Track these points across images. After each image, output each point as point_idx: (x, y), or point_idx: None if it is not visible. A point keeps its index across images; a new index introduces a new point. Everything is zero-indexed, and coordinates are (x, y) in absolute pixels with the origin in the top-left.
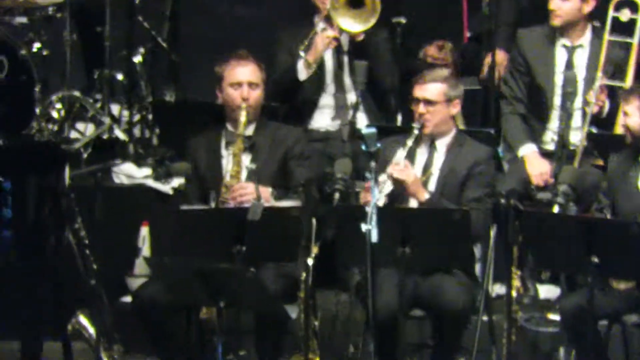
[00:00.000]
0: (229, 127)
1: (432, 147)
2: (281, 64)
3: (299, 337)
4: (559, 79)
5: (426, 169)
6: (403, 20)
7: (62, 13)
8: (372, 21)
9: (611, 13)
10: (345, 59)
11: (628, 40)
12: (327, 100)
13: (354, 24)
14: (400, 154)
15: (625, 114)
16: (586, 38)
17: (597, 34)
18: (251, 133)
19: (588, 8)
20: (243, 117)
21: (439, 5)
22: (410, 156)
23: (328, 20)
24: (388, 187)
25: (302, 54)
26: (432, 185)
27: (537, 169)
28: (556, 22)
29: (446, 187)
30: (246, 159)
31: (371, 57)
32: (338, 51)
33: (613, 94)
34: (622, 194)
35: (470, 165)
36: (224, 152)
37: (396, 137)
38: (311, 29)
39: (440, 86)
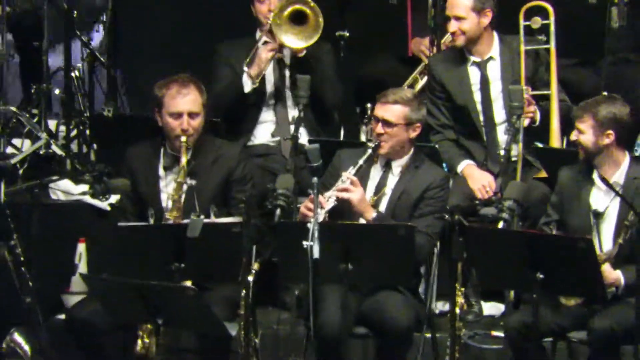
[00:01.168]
0: (168, 148)
1: (387, 167)
2: (221, 77)
3: (240, 354)
4: (477, 96)
5: (379, 189)
6: (346, 34)
7: None
8: (315, 38)
9: (522, 22)
10: (287, 73)
11: (544, 47)
12: (268, 115)
13: (296, 41)
14: (350, 171)
15: (579, 131)
16: (495, 49)
17: (505, 43)
18: (189, 156)
19: (486, 20)
20: (183, 152)
21: (383, 18)
22: (364, 175)
23: (271, 34)
24: (331, 203)
25: (245, 68)
26: (383, 206)
27: (479, 181)
28: (458, 42)
29: (397, 209)
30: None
31: (314, 71)
32: (280, 65)
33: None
34: (573, 210)
35: (423, 189)
36: (161, 172)
37: (354, 151)
38: (252, 42)
39: (402, 108)
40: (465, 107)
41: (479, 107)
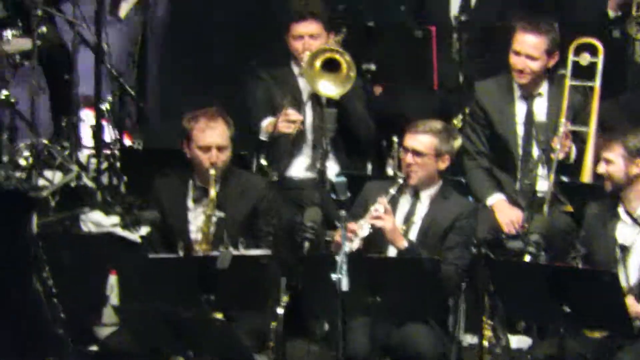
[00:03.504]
0: (197, 180)
1: (415, 197)
2: (255, 98)
3: None
4: (520, 129)
5: (408, 218)
6: (373, 67)
7: (30, 61)
8: (348, 87)
9: (571, 57)
10: (323, 110)
11: (589, 84)
12: (305, 149)
13: (330, 88)
14: (382, 200)
15: (607, 161)
16: (544, 86)
17: (554, 79)
18: (217, 189)
19: (553, 61)
20: (212, 184)
21: (408, 51)
22: (393, 204)
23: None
24: (366, 231)
25: (263, 123)
26: (412, 235)
27: (507, 216)
28: (523, 80)
29: (427, 239)
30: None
31: (345, 108)
32: (315, 104)
33: (575, 139)
34: (599, 244)
35: (452, 219)
36: (190, 204)
37: (382, 183)
38: (287, 73)
39: (432, 139)
40: (506, 138)
41: (520, 141)
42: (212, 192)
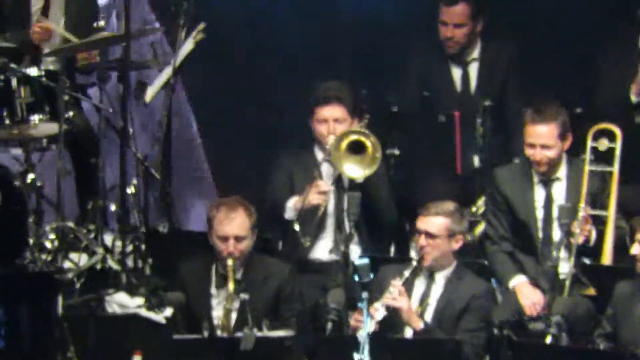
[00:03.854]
0: (220, 268)
1: (430, 279)
2: (276, 186)
3: None
4: (540, 214)
5: (423, 299)
6: (397, 152)
7: (56, 145)
8: (374, 168)
9: (590, 143)
10: (346, 196)
11: (607, 169)
12: (328, 232)
13: (356, 170)
14: (397, 281)
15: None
16: (562, 171)
17: (572, 163)
18: (240, 276)
19: (567, 145)
20: (230, 278)
21: (432, 136)
22: (408, 286)
23: (329, 161)
24: (381, 314)
25: (291, 200)
26: (428, 316)
27: (529, 299)
28: (543, 169)
29: (443, 319)
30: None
31: (368, 193)
32: (338, 188)
33: (595, 222)
34: (626, 323)
35: (468, 299)
36: (213, 290)
37: (396, 266)
38: (310, 157)
39: (444, 221)
40: (527, 223)
41: (540, 224)
42: (230, 286)
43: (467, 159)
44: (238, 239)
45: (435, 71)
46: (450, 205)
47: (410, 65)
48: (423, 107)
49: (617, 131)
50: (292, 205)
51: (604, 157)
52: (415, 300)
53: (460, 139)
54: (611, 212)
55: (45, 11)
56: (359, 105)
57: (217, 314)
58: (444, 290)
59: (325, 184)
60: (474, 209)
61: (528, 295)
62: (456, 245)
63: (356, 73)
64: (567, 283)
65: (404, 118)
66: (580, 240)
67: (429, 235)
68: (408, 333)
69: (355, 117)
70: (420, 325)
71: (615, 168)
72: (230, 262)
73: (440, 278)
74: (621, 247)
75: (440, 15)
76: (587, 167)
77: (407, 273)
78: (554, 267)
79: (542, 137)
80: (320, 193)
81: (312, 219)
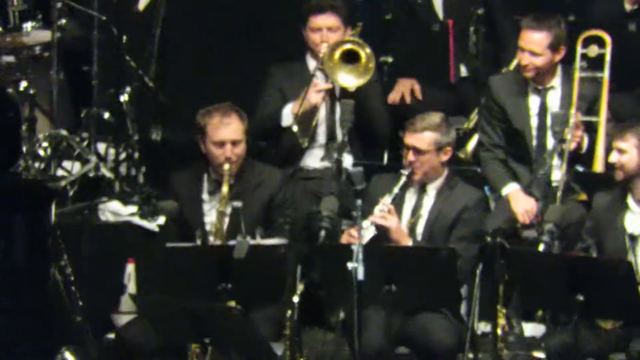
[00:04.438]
0: (212, 173)
1: (421, 191)
2: (269, 101)
3: None
4: (534, 122)
5: (415, 212)
6: (390, 59)
7: (49, 52)
8: (367, 78)
9: (579, 50)
10: (337, 104)
11: (598, 75)
12: (319, 141)
13: (350, 79)
14: (386, 199)
15: (620, 150)
16: (557, 79)
17: (567, 72)
18: (232, 182)
19: (559, 57)
20: (225, 180)
21: (425, 44)
22: (400, 199)
23: (323, 73)
24: (371, 232)
25: (289, 105)
26: (420, 228)
27: (522, 206)
28: (529, 74)
29: (434, 231)
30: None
31: (361, 103)
32: (330, 97)
33: (589, 129)
34: (609, 234)
35: (459, 210)
36: (205, 196)
37: (388, 177)
38: (302, 67)
39: (431, 134)
40: (521, 131)
41: (534, 132)
42: (225, 189)
43: (460, 68)
44: (234, 143)
45: None
46: (436, 118)
47: None
48: (417, 14)
49: (607, 37)
50: (288, 111)
51: (594, 64)
52: (407, 213)
53: (454, 47)
54: (602, 118)
55: None
56: (352, 13)
57: (210, 219)
58: (435, 201)
59: (322, 82)
60: (465, 124)
61: (521, 203)
62: (445, 157)
63: None
64: (560, 191)
65: (397, 26)
66: (572, 146)
67: (417, 150)
68: None
69: (349, 25)
70: (409, 243)
71: (606, 74)
72: (227, 166)
73: (432, 189)
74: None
75: None
76: (578, 74)
77: (396, 189)
78: (546, 175)
79: (532, 43)
80: (320, 91)
81: (310, 120)
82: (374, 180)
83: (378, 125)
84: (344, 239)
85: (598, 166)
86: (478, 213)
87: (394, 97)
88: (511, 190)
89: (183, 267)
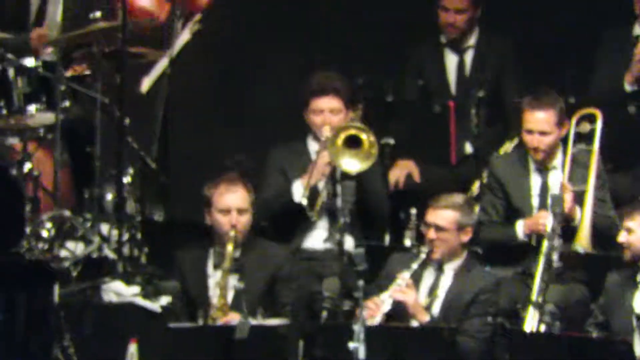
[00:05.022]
0: (217, 248)
1: (439, 270)
2: (271, 183)
3: None
4: (535, 202)
5: (432, 291)
6: (391, 142)
7: (53, 134)
8: (370, 162)
9: (573, 128)
10: (339, 186)
11: (588, 147)
12: (321, 222)
13: (353, 164)
14: (405, 274)
15: (629, 230)
16: (559, 159)
17: (565, 151)
18: (238, 255)
19: (565, 131)
20: (230, 246)
21: (426, 126)
22: (417, 277)
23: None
24: (387, 305)
25: (298, 179)
26: (436, 308)
27: (536, 219)
28: (541, 156)
29: (450, 311)
30: (234, 279)
31: (362, 184)
32: (331, 179)
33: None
34: (618, 313)
35: (476, 291)
36: (210, 271)
37: (405, 255)
38: (303, 148)
39: (453, 214)
40: (521, 210)
41: (535, 212)
42: (229, 247)
43: (461, 148)
44: (240, 211)
45: (430, 58)
46: (459, 198)
47: (408, 53)
48: (419, 96)
49: (598, 113)
50: (297, 187)
51: (590, 139)
52: (424, 291)
53: (455, 129)
54: (589, 187)
55: (43, 5)
56: (353, 95)
57: (214, 293)
58: (452, 282)
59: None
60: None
61: (534, 219)
62: (465, 237)
63: (352, 61)
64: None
65: (399, 107)
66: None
67: (438, 228)
68: (414, 324)
69: (350, 106)
70: (426, 318)
71: (595, 146)
72: (232, 233)
73: (449, 270)
74: (612, 237)
75: (441, 0)
76: (570, 148)
77: (415, 265)
78: (549, 255)
79: (540, 123)
80: (328, 164)
81: (316, 194)
82: (393, 257)
83: (378, 207)
84: (368, 306)
85: (582, 239)
86: (494, 295)
87: (392, 180)
88: (520, 222)
89: (185, 347)
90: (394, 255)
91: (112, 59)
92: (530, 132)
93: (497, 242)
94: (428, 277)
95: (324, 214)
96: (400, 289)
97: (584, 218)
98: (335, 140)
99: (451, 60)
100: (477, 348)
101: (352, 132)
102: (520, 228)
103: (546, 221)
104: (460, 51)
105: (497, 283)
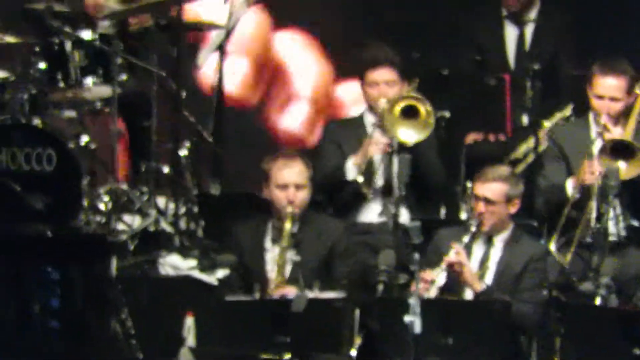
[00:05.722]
0: (275, 222)
1: (489, 243)
2: (327, 155)
3: None
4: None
5: (482, 264)
6: (447, 114)
7: (110, 107)
8: (427, 133)
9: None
10: (395, 159)
11: None
12: (375, 196)
13: (409, 134)
14: (456, 246)
15: None
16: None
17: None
18: (296, 230)
19: (632, 100)
20: (288, 224)
21: (482, 98)
22: (467, 251)
23: (381, 126)
24: (442, 279)
25: (351, 157)
26: (488, 279)
27: (586, 171)
28: (610, 124)
29: (502, 282)
30: (291, 253)
31: (418, 157)
32: (388, 151)
33: None
34: None
35: (526, 261)
36: (268, 245)
37: (453, 230)
38: (360, 122)
39: (502, 186)
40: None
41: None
42: (287, 225)
43: (516, 120)
44: (298, 187)
45: (489, 31)
46: (506, 170)
47: (465, 26)
48: (474, 70)
49: None
50: (351, 165)
51: None
52: (475, 264)
53: (510, 102)
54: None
55: None
56: (408, 68)
57: (271, 267)
58: (502, 253)
59: (384, 137)
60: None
61: (586, 168)
62: (513, 209)
63: (408, 36)
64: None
65: (454, 81)
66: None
67: (487, 201)
68: (468, 295)
69: (405, 80)
70: (482, 286)
71: None
72: (289, 209)
73: (499, 242)
74: None
75: None
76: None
77: (465, 239)
78: (603, 228)
79: (612, 89)
80: (381, 149)
81: (371, 171)
82: (441, 233)
83: (433, 179)
84: (420, 284)
85: None
86: (543, 264)
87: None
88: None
89: (241, 320)
90: (441, 230)
91: (168, 32)
92: (600, 97)
93: (553, 204)
94: (478, 250)
95: (380, 189)
96: (453, 260)
97: None
98: (392, 111)
99: (511, 33)
100: (532, 314)
101: (409, 102)
102: (570, 183)
103: (594, 168)
104: (520, 24)
105: (546, 252)
